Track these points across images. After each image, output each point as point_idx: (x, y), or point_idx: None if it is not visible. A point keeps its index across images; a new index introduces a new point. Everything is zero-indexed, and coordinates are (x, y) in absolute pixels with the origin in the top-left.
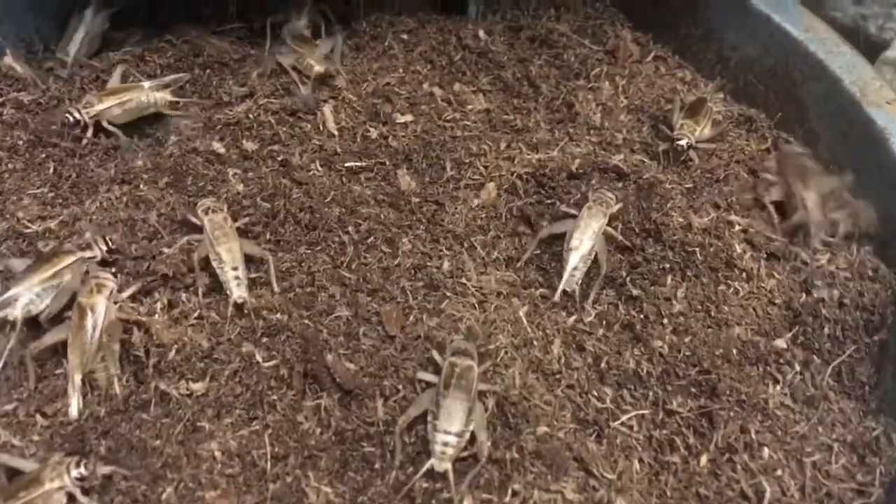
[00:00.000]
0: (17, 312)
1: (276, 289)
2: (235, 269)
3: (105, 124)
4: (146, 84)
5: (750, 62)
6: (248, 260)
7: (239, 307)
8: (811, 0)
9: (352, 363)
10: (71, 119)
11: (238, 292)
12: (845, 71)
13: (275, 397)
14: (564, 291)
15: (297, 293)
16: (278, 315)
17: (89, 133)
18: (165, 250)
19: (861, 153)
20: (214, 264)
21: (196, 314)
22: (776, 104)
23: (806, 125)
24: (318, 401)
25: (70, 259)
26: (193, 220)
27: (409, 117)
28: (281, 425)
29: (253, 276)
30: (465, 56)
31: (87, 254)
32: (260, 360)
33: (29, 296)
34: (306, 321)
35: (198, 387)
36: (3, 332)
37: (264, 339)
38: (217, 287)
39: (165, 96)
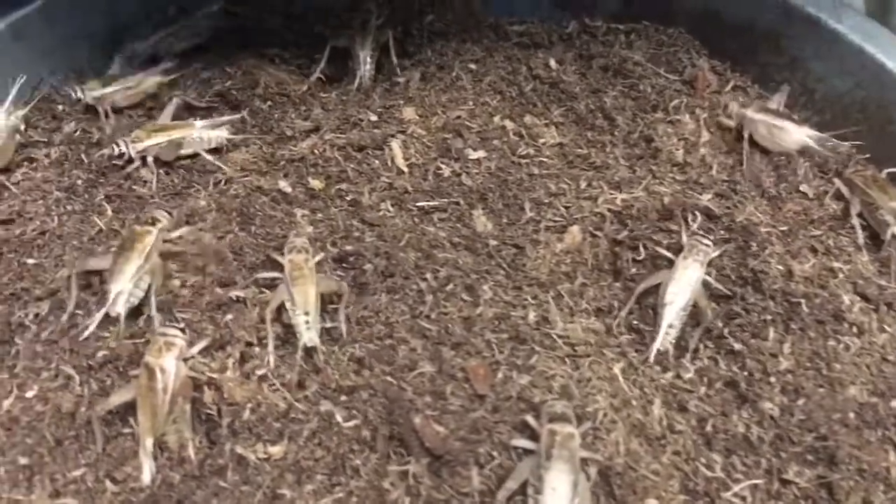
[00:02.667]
0: (119, 309)
1: (343, 328)
2: (307, 313)
3: (150, 161)
4: (198, 123)
5: (839, 95)
6: (324, 307)
7: (308, 353)
8: (878, 10)
9: (441, 426)
10: (116, 151)
11: (308, 335)
12: None
13: (358, 461)
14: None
15: (377, 346)
16: (357, 372)
17: (133, 167)
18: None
19: None
20: (287, 306)
21: (270, 370)
22: (868, 140)
23: None
24: (405, 466)
25: (149, 238)
26: (277, 257)
27: (481, 153)
28: (366, 493)
29: (329, 326)
30: (536, 87)
31: (160, 227)
32: (340, 420)
33: (128, 289)
34: (388, 378)
35: (276, 450)
36: None
37: (343, 398)
38: (291, 339)
39: (221, 134)
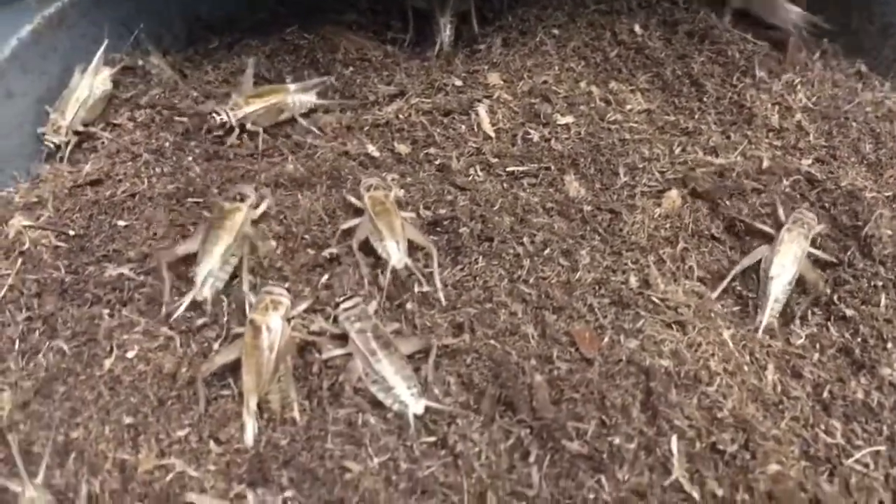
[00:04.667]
0: (205, 292)
1: (440, 287)
2: (396, 242)
3: (249, 126)
4: (291, 87)
5: None
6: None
7: (403, 310)
8: None
9: (551, 388)
10: (217, 120)
11: (398, 256)
12: None
13: (462, 423)
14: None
15: (476, 309)
16: (458, 335)
17: (234, 135)
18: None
19: None
20: (373, 240)
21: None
22: None
23: None
24: (511, 428)
25: (239, 216)
26: (355, 201)
27: (569, 118)
28: (472, 454)
29: (425, 290)
30: (621, 52)
31: (249, 203)
32: (443, 382)
33: (216, 269)
34: (492, 342)
35: (376, 414)
36: None
37: (445, 360)
38: (389, 305)
39: (311, 99)
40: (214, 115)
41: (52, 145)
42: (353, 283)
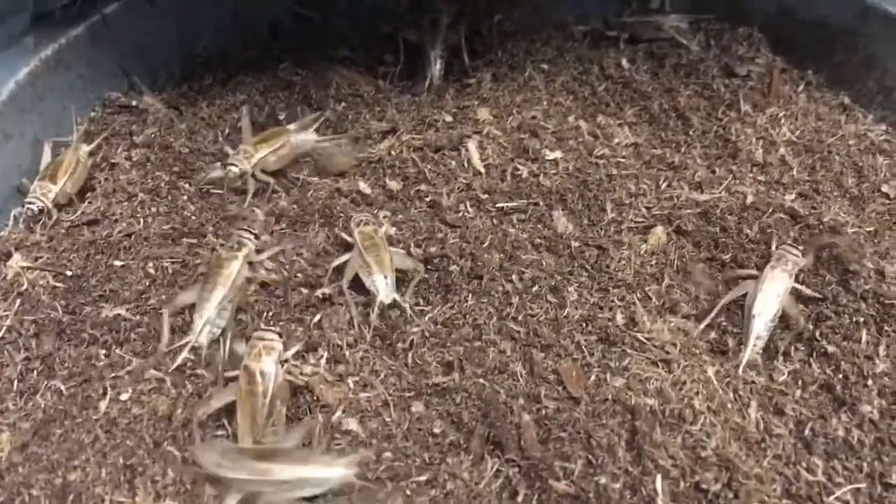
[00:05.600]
0: (202, 339)
1: (408, 301)
2: (385, 276)
3: (258, 173)
4: (291, 127)
5: None
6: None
7: (394, 351)
8: None
9: (539, 428)
10: (236, 171)
11: (385, 292)
12: None
13: (452, 461)
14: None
15: (465, 348)
16: (448, 373)
17: (252, 185)
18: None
19: None
20: (362, 274)
21: (361, 369)
22: None
23: None
24: (500, 468)
25: (235, 265)
26: (346, 237)
27: (558, 153)
28: (462, 494)
29: (416, 327)
30: (609, 87)
31: (245, 251)
32: (433, 421)
33: (211, 320)
34: (481, 380)
35: (369, 453)
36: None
37: (436, 399)
38: (380, 344)
39: (310, 137)
40: (231, 167)
41: (36, 210)
42: (344, 323)
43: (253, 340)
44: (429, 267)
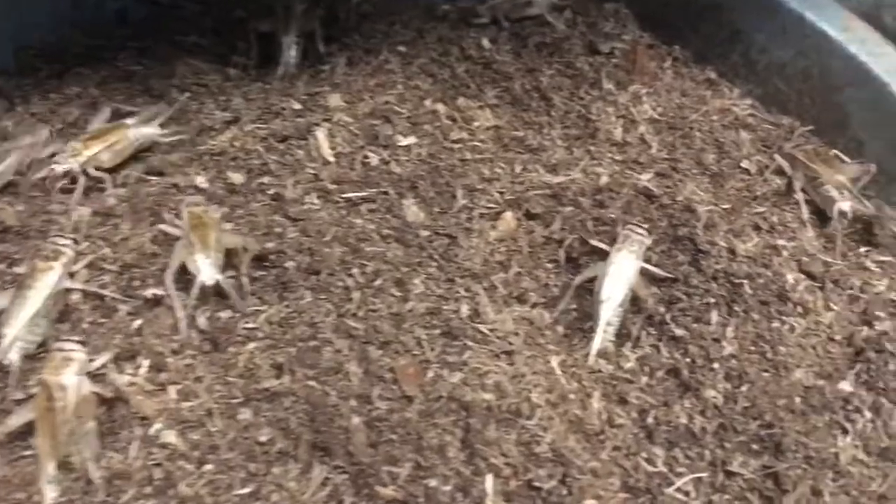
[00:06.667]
0: (12, 356)
1: (247, 284)
2: (208, 256)
3: (91, 171)
4: (129, 121)
5: (781, 65)
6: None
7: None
8: None
9: (370, 430)
10: (59, 170)
11: (208, 272)
12: (892, 74)
13: (277, 471)
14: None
15: (299, 348)
16: (278, 377)
17: (81, 183)
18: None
19: None
20: (187, 259)
21: (185, 376)
22: (812, 111)
23: (848, 133)
24: (328, 475)
25: (51, 276)
26: (170, 229)
27: (412, 139)
28: None
29: (249, 326)
30: (469, 68)
31: (64, 259)
32: (260, 428)
33: (20, 336)
34: (312, 382)
35: (191, 466)
36: None
37: (265, 405)
38: (209, 349)
39: (152, 131)
40: (55, 166)
41: None
42: (168, 328)
43: (51, 352)
44: (265, 264)
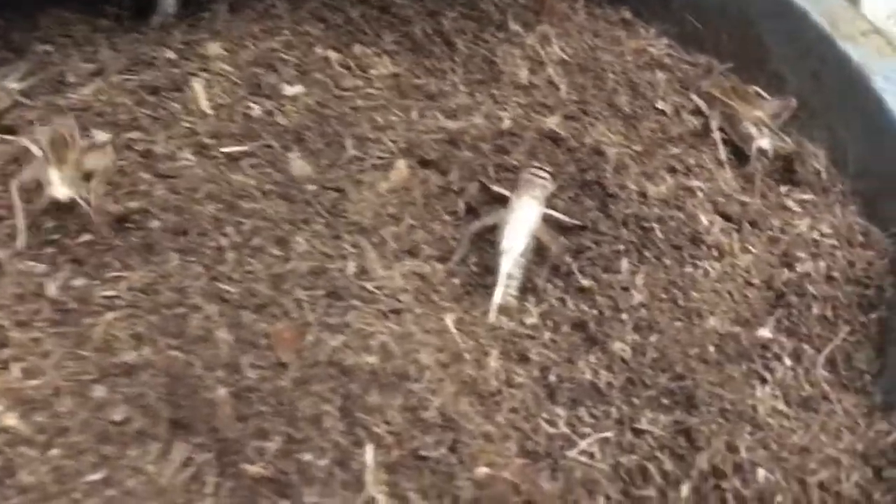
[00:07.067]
0: None
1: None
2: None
3: None
4: None
5: (696, 1)
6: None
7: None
8: None
9: (237, 402)
10: None
11: (62, 190)
12: (811, 2)
13: (135, 453)
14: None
15: (163, 316)
16: (137, 348)
17: None
18: None
19: (838, 97)
20: (37, 168)
21: (31, 352)
22: (730, 47)
23: (768, 69)
24: (192, 454)
25: None
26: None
27: (299, 88)
28: (145, 489)
29: (108, 294)
30: (365, 12)
31: None
32: (115, 407)
33: None
34: (174, 352)
35: (34, 453)
36: None
37: (122, 380)
38: (61, 319)
39: (9, 85)
40: None
41: None
42: (11, 298)
43: None
44: (128, 225)
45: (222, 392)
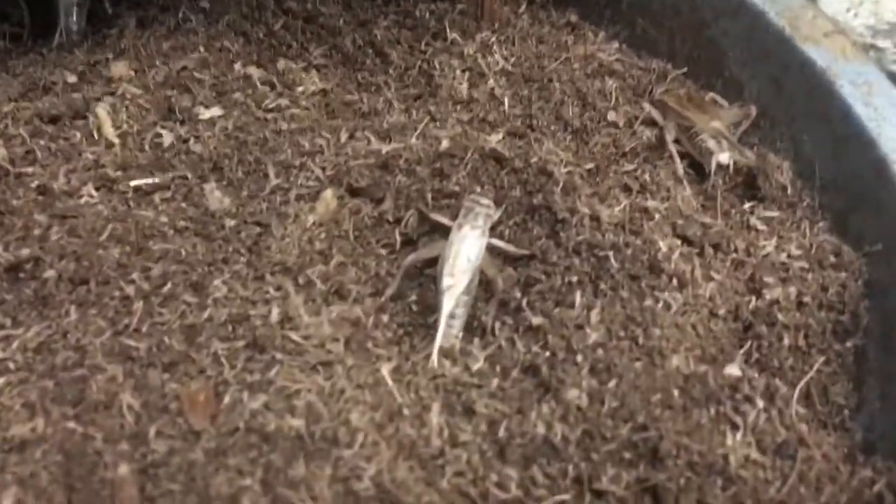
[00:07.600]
0: None
1: None
2: None
3: None
4: None
5: (647, 2)
6: None
7: None
8: None
9: (142, 482)
10: None
11: None
12: (768, 1)
13: None
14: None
15: (59, 380)
16: (30, 419)
17: None
18: None
19: (801, 104)
20: None
21: None
22: (683, 51)
23: (725, 73)
24: None
25: None
26: None
27: (216, 111)
28: None
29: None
30: (289, 23)
31: None
32: (5, 490)
33: None
34: (71, 424)
35: None
36: None
37: (13, 458)
38: None
39: None
40: None
41: None
42: None
43: None
44: (21, 275)
45: (125, 470)
